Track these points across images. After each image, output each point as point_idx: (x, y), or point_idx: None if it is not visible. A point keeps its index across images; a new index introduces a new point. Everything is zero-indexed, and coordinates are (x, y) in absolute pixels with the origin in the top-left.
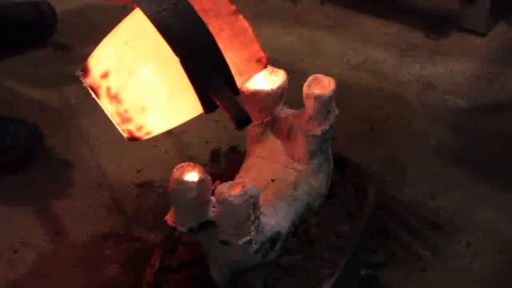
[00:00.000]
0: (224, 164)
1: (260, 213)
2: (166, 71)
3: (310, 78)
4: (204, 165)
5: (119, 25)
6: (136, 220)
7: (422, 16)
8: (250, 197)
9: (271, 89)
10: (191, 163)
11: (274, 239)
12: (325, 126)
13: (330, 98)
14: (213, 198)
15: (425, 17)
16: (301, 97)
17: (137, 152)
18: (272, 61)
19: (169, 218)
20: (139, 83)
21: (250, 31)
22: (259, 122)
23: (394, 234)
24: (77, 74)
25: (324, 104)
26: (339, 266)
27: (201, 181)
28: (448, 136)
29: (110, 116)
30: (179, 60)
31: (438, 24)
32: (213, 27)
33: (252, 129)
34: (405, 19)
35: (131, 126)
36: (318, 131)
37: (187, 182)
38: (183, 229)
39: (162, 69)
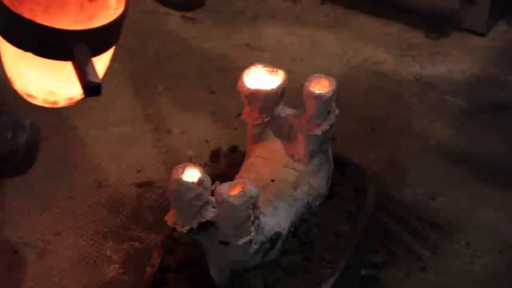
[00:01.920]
0: (224, 164)
1: (260, 213)
2: (36, 60)
3: (310, 78)
4: (204, 165)
5: None
6: (136, 220)
7: (422, 16)
8: (250, 197)
9: (271, 89)
10: (191, 163)
11: (274, 239)
12: (325, 126)
13: (330, 97)
14: (212, 199)
15: (425, 17)
16: (301, 97)
17: (137, 152)
18: (272, 61)
19: (169, 218)
20: (31, 79)
21: None
22: (259, 122)
23: (394, 234)
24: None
25: (324, 103)
26: (339, 266)
27: (200, 181)
28: (448, 136)
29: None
30: (32, 54)
31: (438, 24)
32: (26, 12)
33: (252, 129)
34: (405, 19)
35: (62, 103)
36: (318, 131)
37: (187, 183)
38: (183, 229)
39: (34, 62)
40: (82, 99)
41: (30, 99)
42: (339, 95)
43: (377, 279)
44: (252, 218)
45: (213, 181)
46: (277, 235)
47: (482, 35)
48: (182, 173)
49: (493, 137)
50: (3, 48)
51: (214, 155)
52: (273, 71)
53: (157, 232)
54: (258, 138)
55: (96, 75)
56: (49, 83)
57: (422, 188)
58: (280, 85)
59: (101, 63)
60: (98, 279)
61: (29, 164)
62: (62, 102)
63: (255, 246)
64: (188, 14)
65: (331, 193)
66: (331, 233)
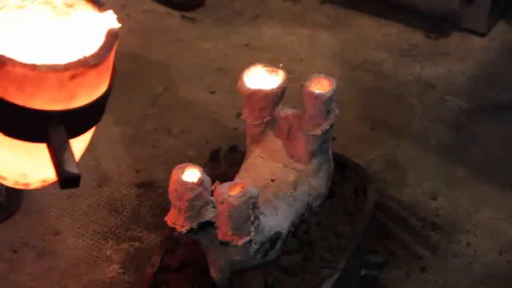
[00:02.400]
0: (224, 164)
1: (260, 214)
2: (5, 141)
3: (310, 78)
4: (204, 165)
5: None
6: (136, 220)
7: (422, 16)
8: (250, 197)
9: (271, 89)
10: (191, 163)
11: (274, 239)
12: (326, 126)
13: (330, 97)
14: (212, 199)
15: (425, 17)
16: (301, 97)
17: (137, 152)
18: (272, 61)
19: (169, 218)
20: (3, 161)
21: (28, 69)
22: (259, 121)
23: (394, 234)
24: None
25: (324, 103)
26: (339, 266)
27: (200, 181)
28: (448, 136)
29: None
30: (1, 134)
31: (438, 24)
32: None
33: (252, 129)
34: (405, 19)
35: (36, 185)
36: (318, 131)
37: (187, 183)
38: (183, 229)
39: (3, 143)
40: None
41: (1, 180)
42: (338, 95)
43: (377, 279)
44: (252, 218)
45: (213, 181)
46: (277, 235)
47: (482, 35)
48: (182, 173)
49: (493, 137)
50: None
51: (214, 155)
52: (273, 71)
53: (157, 232)
54: (258, 138)
55: (73, 164)
56: (21, 165)
57: (422, 188)
58: (280, 85)
59: (80, 143)
60: (98, 279)
61: (12, 211)
62: (35, 185)
63: (255, 246)
64: (188, 14)
65: (331, 193)
66: (331, 233)
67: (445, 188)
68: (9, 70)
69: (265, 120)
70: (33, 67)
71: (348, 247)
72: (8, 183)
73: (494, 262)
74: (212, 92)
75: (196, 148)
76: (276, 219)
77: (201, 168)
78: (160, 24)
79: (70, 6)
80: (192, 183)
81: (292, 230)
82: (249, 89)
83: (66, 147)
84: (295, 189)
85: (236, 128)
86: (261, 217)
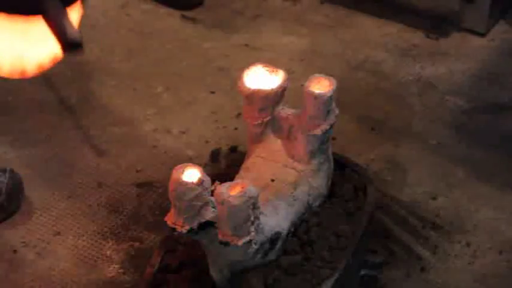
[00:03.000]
0: (224, 164)
1: (260, 214)
2: (4, 22)
3: (310, 78)
4: (204, 165)
5: None
6: (136, 220)
7: (422, 16)
8: (250, 197)
9: (272, 89)
10: (191, 163)
11: (274, 239)
12: (326, 126)
13: (330, 97)
14: (212, 199)
15: (425, 17)
16: (301, 97)
17: (137, 152)
18: (272, 61)
19: (169, 218)
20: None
21: None
22: (259, 121)
23: (394, 234)
24: None
25: (324, 103)
26: (339, 266)
27: (200, 181)
28: (448, 136)
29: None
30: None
31: (438, 24)
32: None
33: (252, 129)
34: (405, 19)
35: (31, 71)
36: (318, 131)
37: (187, 183)
38: (183, 229)
39: (1, 24)
40: (51, 67)
41: None
42: (339, 95)
43: (377, 279)
44: (252, 218)
45: (213, 181)
46: (277, 235)
47: (482, 35)
48: (182, 173)
49: (493, 137)
50: None
51: (214, 155)
52: (273, 71)
53: (157, 232)
54: (258, 138)
55: (75, 28)
56: (15, 45)
57: (422, 188)
58: (280, 85)
59: (74, 14)
60: (98, 279)
61: (12, 211)
62: (32, 71)
63: (255, 246)
64: (188, 14)
65: (331, 193)
66: (331, 233)
67: (445, 188)
68: None
69: (265, 120)
70: None
71: (348, 247)
72: (4, 72)
73: (494, 262)
74: (212, 92)
75: (196, 148)
76: (276, 219)
77: (201, 168)
78: (160, 24)
79: None
80: (192, 183)
81: (292, 230)
82: (249, 89)
83: (65, 14)
84: (295, 189)
85: (236, 128)
86: (261, 217)
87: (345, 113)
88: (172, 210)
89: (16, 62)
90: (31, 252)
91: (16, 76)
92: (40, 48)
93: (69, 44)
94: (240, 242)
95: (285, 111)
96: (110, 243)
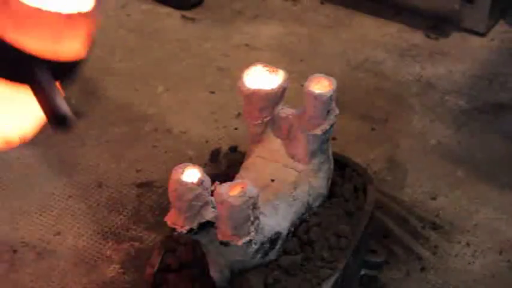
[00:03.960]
0: (224, 164)
1: (260, 214)
2: None
3: (310, 78)
4: (204, 165)
5: None
6: (136, 220)
7: (422, 16)
8: (250, 197)
9: (271, 89)
10: (191, 163)
11: (274, 239)
12: (326, 126)
13: (330, 97)
14: (212, 199)
15: (425, 17)
16: (301, 97)
17: (137, 152)
18: (272, 61)
19: (168, 218)
20: None
21: (31, 9)
22: (259, 121)
23: (394, 234)
24: None
25: (324, 103)
26: (339, 266)
27: (200, 181)
28: (448, 136)
29: None
30: None
31: (438, 24)
32: None
33: (252, 129)
34: (405, 19)
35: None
36: (318, 131)
37: (187, 183)
38: (183, 230)
39: None
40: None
41: None
42: (339, 95)
43: (377, 279)
44: (252, 218)
45: (213, 181)
46: (277, 235)
47: (482, 35)
48: (182, 173)
49: (493, 137)
50: None
51: (214, 155)
52: (273, 71)
53: (157, 232)
54: (258, 138)
55: (65, 104)
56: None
57: (422, 188)
58: (280, 85)
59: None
60: (98, 279)
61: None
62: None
63: (255, 246)
64: (188, 14)
65: (331, 193)
66: (331, 233)
67: (445, 188)
68: (11, 7)
69: (265, 120)
70: (35, 8)
71: (348, 247)
72: None
73: (494, 262)
74: (212, 92)
75: (196, 148)
76: (276, 219)
77: (201, 168)
78: (160, 24)
79: None
80: (192, 183)
81: (292, 230)
82: (249, 89)
83: (55, 87)
84: (295, 189)
85: (236, 128)
86: (261, 217)
87: (345, 113)
88: (172, 210)
89: None
90: (31, 252)
91: None
92: (12, 122)
93: (58, 120)
94: (240, 242)
95: (285, 111)
96: (110, 243)
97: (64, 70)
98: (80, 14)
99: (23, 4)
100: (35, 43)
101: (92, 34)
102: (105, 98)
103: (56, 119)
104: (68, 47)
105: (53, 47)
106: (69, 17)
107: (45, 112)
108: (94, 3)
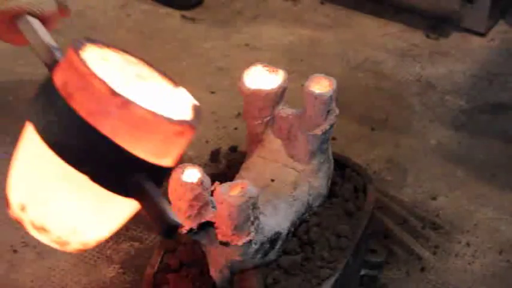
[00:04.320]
0: (224, 164)
1: (260, 214)
2: (82, 187)
3: (310, 78)
4: (204, 165)
5: (20, 144)
6: (136, 220)
7: (422, 16)
8: (250, 197)
9: (271, 89)
10: (191, 163)
11: (274, 239)
12: (326, 126)
13: (330, 97)
14: (212, 199)
15: (425, 17)
16: (301, 97)
17: None
18: (272, 61)
19: None
20: (60, 208)
21: (149, 114)
22: (259, 122)
23: (394, 234)
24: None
25: (324, 103)
26: (339, 266)
27: (200, 181)
28: (448, 136)
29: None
30: (88, 178)
31: (438, 24)
32: (108, 127)
33: (252, 129)
34: (405, 19)
35: (74, 246)
36: (318, 131)
37: (187, 183)
38: (183, 230)
39: (78, 188)
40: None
41: (36, 232)
42: (339, 95)
43: (377, 279)
44: (252, 218)
45: (213, 181)
46: (277, 235)
47: (482, 35)
48: (182, 173)
49: (493, 137)
50: (37, 166)
51: (214, 155)
52: (273, 71)
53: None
54: (258, 138)
55: (173, 213)
56: (80, 218)
57: (422, 188)
58: (280, 85)
59: None
60: (98, 279)
61: None
62: (73, 246)
63: (255, 246)
64: (188, 14)
65: (331, 193)
66: (331, 233)
67: (445, 188)
68: (130, 112)
69: (265, 120)
70: (153, 113)
71: (348, 247)
72: (46, 238)
73: (494, 262)
74: (212, 92)
75: (196, 148)
76: (276, 219)
77: (201, 168)
78: (160, 24)
79: (142, 78)
80: (192, 183)
81: (292, 230)
82: (249, 89)
83: (161, 196)
84: (295, 189)
85: (236, 128)
86: (261, 217)
87: (345, 113)
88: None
89: (67, 233)
90: (31, 252)
91: (54, 246)
92: (99, 227)
93: (169, 230)
94: (240, 242)
95: (285, 111)
96: (110, 243)
97: (161, 178)
98: (186, 122)
99: (141, 108)
100: (145, 148)
101: (187, 145)
102: None
103: (167, 230)
104: (170, 155)
105: (159, 154)
106: (179, 123)
107: (155, 221)
108: (193, 114)
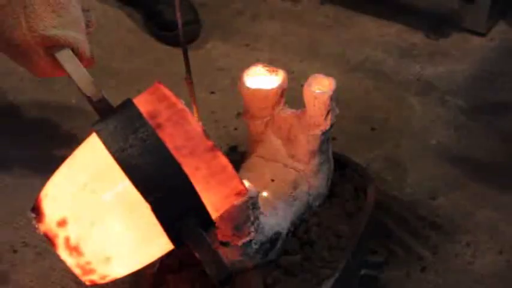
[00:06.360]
0: None
1: (260, 214)
2: (135, 217)
3: (310, 78)
4: None
5: (76, 154)
6: None
7: (422, 16)
8: (250, 197)
9: (271, 89)
10: None
11: (274, 239)
12: (326, 126)
13: (330, 97)
14: None
15: (425, 17)
16: (301, 97)
17: None
18: (272, 61)
19: None
20: (103, 233)
21: (229, 168)
22: (259, 122)
23: (394, 234)
24: (28, 214)
25: (324, 103)
26: (339, 266)
27: None
28: (448, 136)
29: (68, 266)
30: (150, 207)
31: (438, 24)
32: (188, 166)
33: (252, 129)
34: (405, 19)
35: (94, 277)
36: (318, 131)
37: None
38: None
39: (130, 216)
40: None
41: (66, 251)
42: (338, 95)
43: (377, 279)
44: (252, 218)
45: None
46: (277, 235)
47: (482, 35)
48: None
49: (493, 137)
50: (96, 184)
51: None
52: (273, 71)
53: None
54: (258, 138)
55: (225, 263)
56: (118, 249)
57: (422, 188)
58: (280, 85)
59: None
60: None
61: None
62: (93, 278)
63: (255, 246)
64: None
65: (331, 193)
66: (331, 233)
67: (445, 188)
68: (214, 158)
69: (265, 120)
70: (232, 167)
71: (348, 247)
72: (73, 261)
73: (494, 262)
74: (212, 92)
75: None
76: (276, 219)
77: None
78: None
79: None
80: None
81: (292, 230)
82: (249, 89)
83: (210, 246)
84: (294, 189)
85: (236, 128)
86: (261, 217)
87: (345, 113)
88: None
89: (99, 261)
90: (31, 252)
91: (77, 272)
92: (131, 262)
93: (223, 278)
94: (240, 242)
95: (285, 111)
96: None
97: (208, 230)
98: (245, 187)
99: (225, 158)
100: (211, 198)
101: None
102: None
103: (224, 277)
104: (221, 211)
105: (218, 207)
106: (243, 185)
107: (211, 268)
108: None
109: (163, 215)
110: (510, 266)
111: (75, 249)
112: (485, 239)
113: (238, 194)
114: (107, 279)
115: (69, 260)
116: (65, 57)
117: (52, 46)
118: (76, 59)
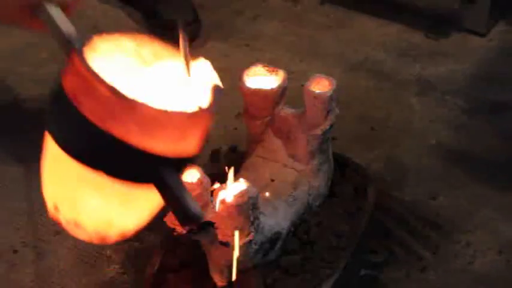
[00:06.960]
0: (224, 164)
1: (260, 214)
2: (103, 183)
3: (310, 78)
4: (204, 165)
5: (44, 150)
6: None
7: (422, 16)
8: (250, 197)
9: (271, 89)
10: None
11: (274, 239)
12: (326, 126)
13: (330, 97)
14: (212, 199)
15: (425, 17)
16: (301, 97)
17: None
18: (272, 61)
19: (168, 218)
20: (88, 205)
21: (157, 112)
22: (259, 122)
23: (394, 234)
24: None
25: (324, 103)
26: (339, 266)
27: (200, 182)
28: (448, 136)
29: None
30: (102, 173)
31: (438, 24)
32: (119, 130)
33: (252, 129)
34: (405, 19)
35: (113, 238)
36: (318, 131)
37: (186, 183)
38: (183, 230)
39: (99, 184)
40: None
41: (74, 229)
42: (338, 95)
43: (377, 279)
44: (252, 218)
45: (213, 181)
46: (277, 235)
47: (482, 35)
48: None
49: (493, 137)
50: (59, 169)
51: (214, 155)
52: (273, 71)
53: (157, 232)
54: (258, 138)
55: (195, 202)
56: (110, 211)
57: (422, 188)
58: (280, 85)
59: None
60: (98, 279)
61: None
62: (113, 238)
63: (255, 246)
64: None
65: (331, 193)
66: (331, 233)
67: (445, 188)
68: (137, 112)
69: (265, 120)
70: (161, 111)
71: (348, 247)
72: (84, 234)
73: (494, 262)
74: None
75: None
76: (276, 219)
77: (201, 169)
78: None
79: (159, 56)
80: (192, 183)
81: (292, 230)
82: (249, 89)
83: (183, 186)
84: (294, 189)
85: (236, 128)
86: (261, 217)
87: (345, 113)
88: None
89: (102, 227)
90: (31, 252)
91: (95, 241)
92: (131, 217)
93: (189, 219)
94: (240, 242)
95: (285, 111)
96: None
97: (183, 166)
98: (202, 111)
99: (149, 108)
100: (159, 144)
101: (209, 128)
102: None
103: (187, 219)
104: (190, 144)
105: (177, 146)
106: (193, 115)
107: (175, 211)
108: (211, 99)
109: (118, 174)
110: (510, 266)
111: (76, 226)
112: (485, 239)
113: (194, 123)
114: (129, 235)
115: (81, 234)
116: (44, 13)
117: (32, 4)
118: (55, 12)
